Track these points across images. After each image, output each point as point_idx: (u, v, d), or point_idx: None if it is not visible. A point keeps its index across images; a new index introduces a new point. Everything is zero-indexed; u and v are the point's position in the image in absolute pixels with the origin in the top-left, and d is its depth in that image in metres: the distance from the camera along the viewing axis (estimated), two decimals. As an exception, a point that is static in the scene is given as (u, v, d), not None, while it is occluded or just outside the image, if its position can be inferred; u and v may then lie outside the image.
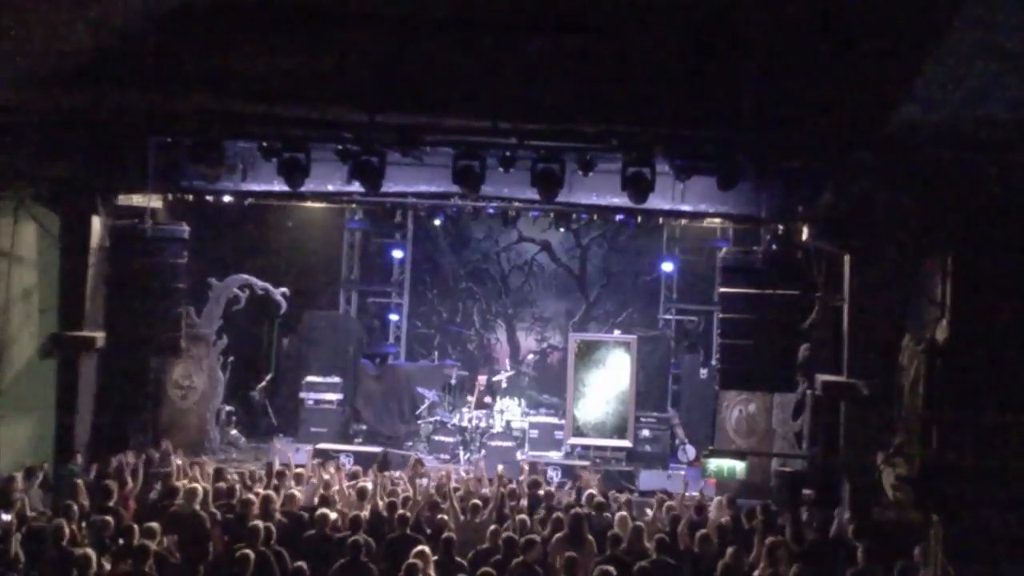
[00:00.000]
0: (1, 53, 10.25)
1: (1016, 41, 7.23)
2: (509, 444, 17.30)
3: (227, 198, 15.72)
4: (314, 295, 20.60)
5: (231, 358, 18.26)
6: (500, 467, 12.81)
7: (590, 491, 12.77)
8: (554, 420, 18.70)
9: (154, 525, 9.64)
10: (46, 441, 14.49)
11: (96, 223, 15.04)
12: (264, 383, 19.55)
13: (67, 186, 14.31)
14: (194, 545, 9.83)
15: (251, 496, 10.86)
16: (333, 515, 10.35)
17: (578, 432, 18.01)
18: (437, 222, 19.79)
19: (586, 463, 16.61)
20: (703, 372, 19.16)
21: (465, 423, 18.01)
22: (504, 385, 19.31)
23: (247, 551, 8.81)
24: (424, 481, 12.56)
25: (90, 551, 8.66)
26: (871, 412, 13.25)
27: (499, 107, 11.37)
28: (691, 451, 18.18)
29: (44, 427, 14.51)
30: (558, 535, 10.17)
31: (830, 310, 14.73)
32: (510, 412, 18.58)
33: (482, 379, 19.35)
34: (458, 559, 9.44)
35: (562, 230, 19.56)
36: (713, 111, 10.97)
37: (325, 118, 12.13)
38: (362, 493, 11.28)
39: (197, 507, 10.37)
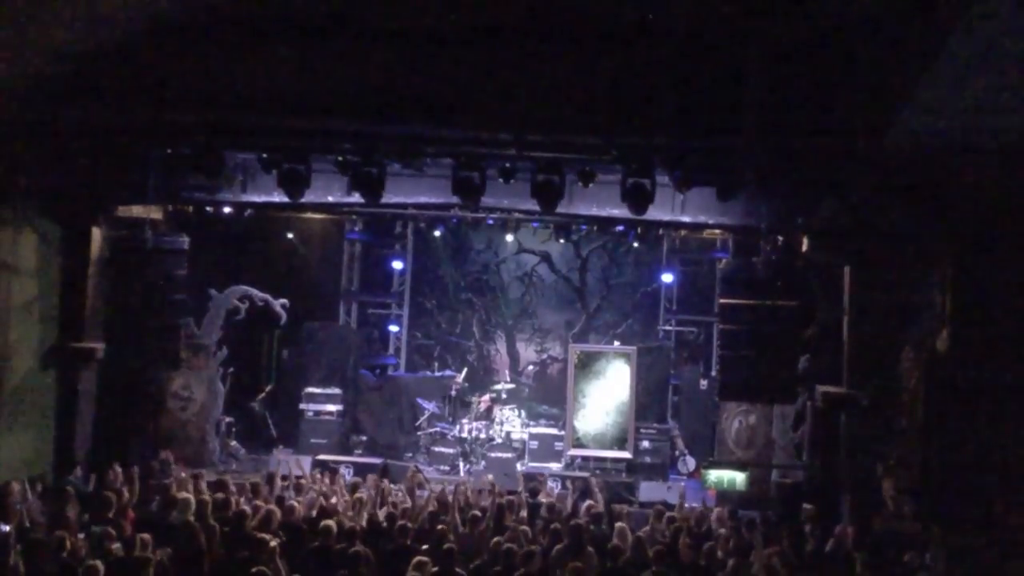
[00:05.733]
0: (1, 64, 10.30)
1: (1017, 48, 7.24)
2: (509, 455, 17.26)
3: (227, 209, 15.75)
4: (314, 306, 20.52)
5: (231, 369, 18.21)
6: (489, 476, 12.80)
7: (589, 502, 12.74)
8: (554, 431, 18.62)
9: (145, 536, 9.61)
10: (46, 452, 14.47)
11: (96, 234, 15.04)
12: (264, 394, 19.49)
13: (67, 197, 14.33)
14: (188, 557, 9.78)
15: (249, 508, 10.83)
16: (332, 525, 10.30)
17: (578, 443, 17.95)
18: (437, 233, 19.79)
19: (586, 474, 16.56)
20: (703, 383, 19.11)
21: (465, 434, 17.98)
22: (504, 396, 19.26)
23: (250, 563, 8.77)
24: (423, 492, 12.51)
25: (99, 563, 8.60)
26: (871, 423, 13.25)
27: (499, 118, 11.42)
28: (691, 462, 18.12)
29: (44, 438, 14.49)
30: (558, 546, 10.15)
31: (830, 321, 14.72)
32: (510, 423, 18.52)
33: (484, 400, 19.20)
34: (458, 570, 9.41)
35: (562, 241, 19.51)
36: (713, 122, 11.01)
37: (325, 129, 12.17)
38: (358, 504, 11.24)
39: (191, 518, 10.31)
